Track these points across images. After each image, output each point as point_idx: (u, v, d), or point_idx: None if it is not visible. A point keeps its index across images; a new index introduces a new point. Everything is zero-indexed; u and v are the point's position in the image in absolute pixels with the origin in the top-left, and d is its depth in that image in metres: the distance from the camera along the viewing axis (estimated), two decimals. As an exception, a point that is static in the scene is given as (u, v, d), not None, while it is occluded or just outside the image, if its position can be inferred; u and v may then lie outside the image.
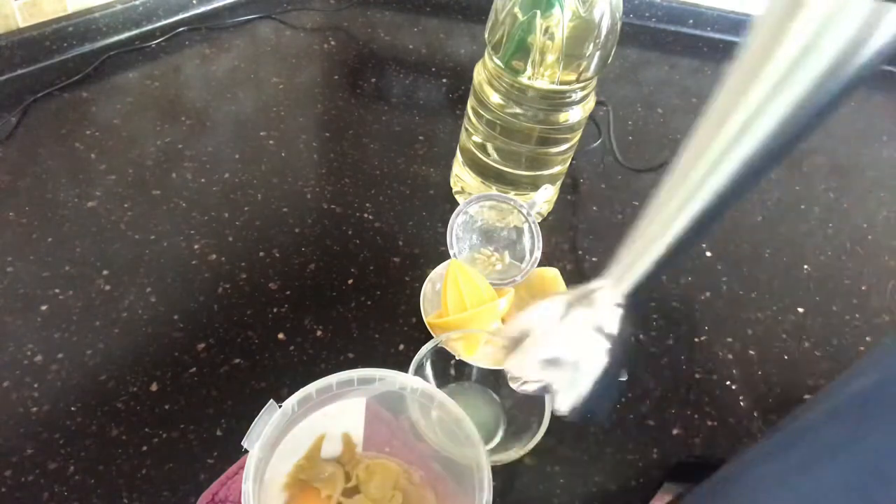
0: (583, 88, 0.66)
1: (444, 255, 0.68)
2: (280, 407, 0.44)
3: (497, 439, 0.57)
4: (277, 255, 0.70)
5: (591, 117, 0.71)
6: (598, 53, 0.62)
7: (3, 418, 0.54)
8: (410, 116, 0.90)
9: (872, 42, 0.27)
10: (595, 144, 0.90)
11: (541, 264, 0.66)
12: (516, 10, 0.61)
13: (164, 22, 0.95)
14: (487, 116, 0.68)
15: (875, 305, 0.77)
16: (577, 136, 0.71)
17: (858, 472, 0.32)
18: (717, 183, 0.35)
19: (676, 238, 0.38)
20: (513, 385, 0.50)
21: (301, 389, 0.45)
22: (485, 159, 0.72)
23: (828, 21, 0.27)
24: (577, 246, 0.77)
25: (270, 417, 0.43)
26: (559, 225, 0.79)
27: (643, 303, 0.71)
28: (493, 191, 0.72)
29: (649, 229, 0.40)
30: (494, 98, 0.67)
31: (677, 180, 0.37)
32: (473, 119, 0.71)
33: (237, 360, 0.60)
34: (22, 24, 0.83)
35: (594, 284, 0.43)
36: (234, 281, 0.66)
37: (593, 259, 0.76)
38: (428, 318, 0.63)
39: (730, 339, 0.71)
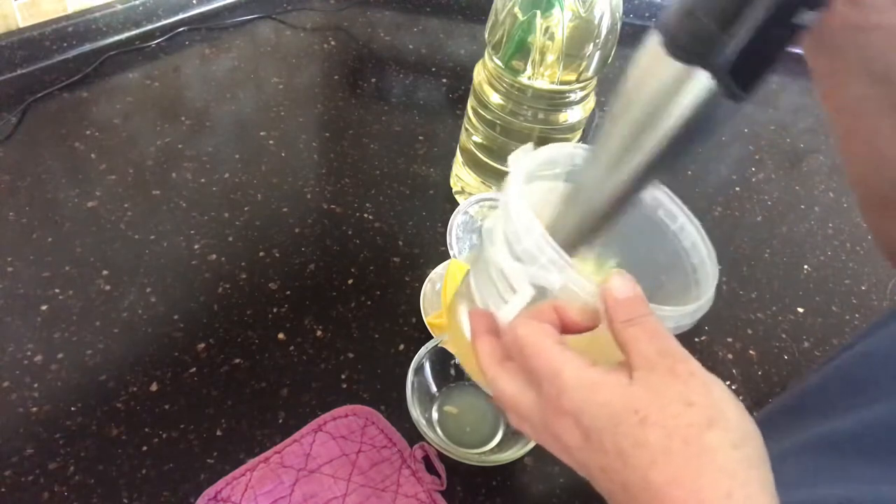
0: (583, 88, 0.66)
1: (444, 255, 0.68)
2: None
3: (497, 439, 0.57)
4: (277, 255, 0.70)
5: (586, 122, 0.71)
6: (598, 53, 0.62)
7: (3, 418, 0.54)
8: (410, 116, 0.90)
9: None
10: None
11: (541, 264, 0.66)
12: (516, 10, 0.61)
13: (164, 22, 0.95)
14: (487, 116, 0.68)
15: (875, 305, 0.77)
16: (577, 136, 0.71)
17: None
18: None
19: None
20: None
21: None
22: (486, 159, 0.72)
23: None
24: (577, 246, 0.77)
25: None
26: (559, 225, 0.79)
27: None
28: (493, 191, 0.72)
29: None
30: (494, 98, 0.67)
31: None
32: (473, 119, 0.71)
33: (237, 360, 0.60)
34: (22, 24, 0.83)
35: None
36: (234, 281, 0.66)
37: (593, 259, 0.76)
38: (428, 318, 0.63)
39: (730, 339, 0.71)
